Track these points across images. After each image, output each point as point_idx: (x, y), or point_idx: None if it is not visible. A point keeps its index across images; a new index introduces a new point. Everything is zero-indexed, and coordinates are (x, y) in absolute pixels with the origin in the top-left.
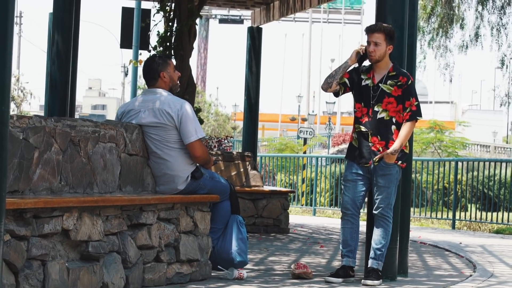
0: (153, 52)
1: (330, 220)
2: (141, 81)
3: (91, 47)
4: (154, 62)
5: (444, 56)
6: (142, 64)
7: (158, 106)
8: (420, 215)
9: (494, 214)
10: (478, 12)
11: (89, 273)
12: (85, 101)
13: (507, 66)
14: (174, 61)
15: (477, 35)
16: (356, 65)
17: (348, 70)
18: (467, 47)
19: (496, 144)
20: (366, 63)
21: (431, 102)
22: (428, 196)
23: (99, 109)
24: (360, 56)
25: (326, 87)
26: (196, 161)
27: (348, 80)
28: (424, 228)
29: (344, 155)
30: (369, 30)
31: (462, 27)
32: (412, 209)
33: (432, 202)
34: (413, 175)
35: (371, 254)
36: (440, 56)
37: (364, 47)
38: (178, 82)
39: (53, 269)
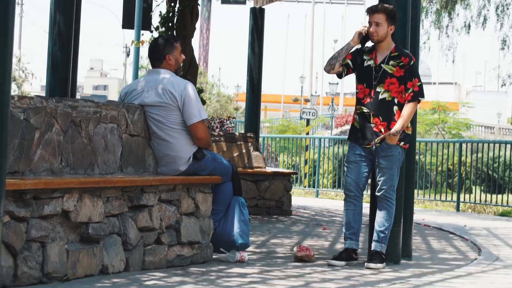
0: (155, 33)
1: (333, 202)
2: (143, 62)
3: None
4: (160, 43)
5: (448, 37)
6: (145, 44)
7: (162, 86)
8: (424, 197)
9: (499, 196)
10: None
11: (89, 255)
12: (86, 82)
13: (508, 46)
14: (179, 43)
15: (480, 15)
16: (359, 46)
17: (350, 51)
18: (469, 27)
19: (500, 126)
20: (369, 44)
21: (434, 83)
22: (432, 178)
23: (100, 89)
24: (363, 37)
25: (329, 68)
26: (198, 143)
27: (350, 61)
28: (428, 211)
29: (347, 136)
30: (370, 11)
31: (466, 6)
32: (416, 191)
33: (436, 184)
34: (416, 157)
35: (374, 236)
36: (444, 37)
37: (366, 28)
38: (181, 64)
39: (53, 251)
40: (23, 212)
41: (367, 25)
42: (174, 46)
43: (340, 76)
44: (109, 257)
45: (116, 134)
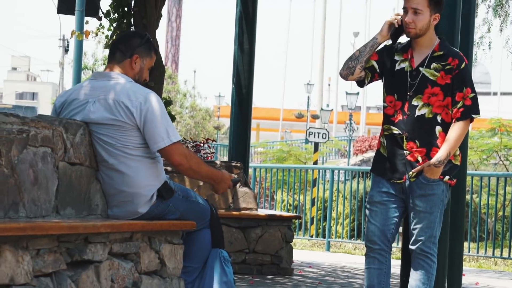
0: (104, 21)
1: (350, 258)
2: (88, 60)
3: (16, 11)
4: (138, 37)
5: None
6: (90, 36)
7: (113, 96)
8: (478, 252)
9: None
10: None
11: None
12: (7, 87)
13: None
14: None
15: None
16: (389, 41)
17: (377, 50)
18: None
19: None
20: (403, 39)
21: (495, 94)
22: (489, 226)
23: (27, 98)
24: (395, 29)
25: (346, 73)
26: (180, 171)
27: (377, 63)
28: (483, 271)
29: (370, 167)
30: None
31: None
32: (466, 244)
33: (496, 235)
34: (468, 196)
35: None
36: (509, 28)
37: (399, 17)
38: (142, 80)
39: None
40: None
41: (401, 12)
42: (150, 53)
43: (362, 83)
44: None
45: (50, 162)
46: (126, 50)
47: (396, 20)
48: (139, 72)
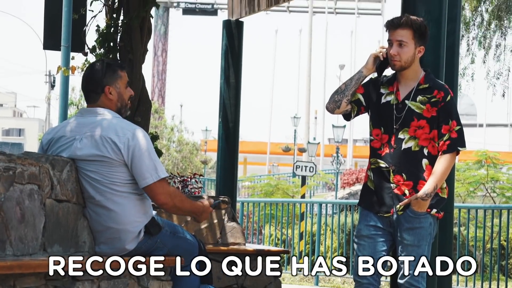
0: (90, 56)
1: None
2: (75, 95)
3: (1, 47)
4: (98, 69)
5: (498, 60)
6: (77, 71)
7: (99, 132)
8: (466, 285)
9: None
10: None
11: None
12: None
13: None
14: (125, 72)
15: None
16: (375, 75)
17: (363, 83)
18: None
19: None
20: (388, 72)
21: (481, 126)
22: (478, 259)
23: (13, 134)
24: (380, 62)
25: (333, 107)
26: (165, 210)
27: (363, 96)
28: None
29: (358, 200)
30: (391, 25)
31: None
32: (454, 278)
33: (484, 267)
34: (455, 229)
35: None
36: (493, 59)
37: (385, 50)
38: (129, 102)
39: None
40: None
41: (386, 45)
42: (117, 74)
43: (348, 117)
44: None
45: (37, 199)
46: (95, 88)
47: (381, 53)
48: (119, 99)
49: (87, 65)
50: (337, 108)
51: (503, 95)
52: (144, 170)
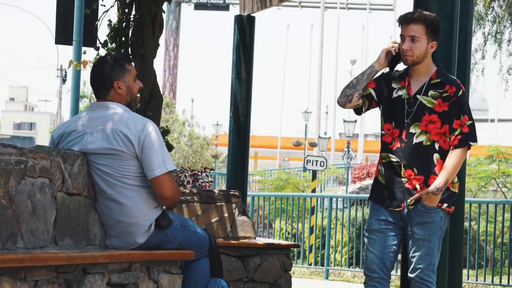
0: (102, 51)
1: (349, 286)
2: (87, 89)
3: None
4: (106, 64)
5: (510, 54)
6: (88, 66)
7: (111, 126)
8: (477, 280)
9: None
10: None
11: None
12: (5, 118)
13: None
14: (133, 65)
15: None
16: (386, 69)
17: (374, 78)
18: None
19: None
20: (400, 67)
21: (492, 121)
22: (488, 254)
23: (25, 128)
24: (392, 57)
25: (344, 101)
26: (163, 203)
27: (374, 91)
28: None
29: (368, 195)
30: (404, 21)
31: None
32: (465, 272)
33: (495, 262)
34: (466, 224)
35: None
36: (506, 54)
37: (397, 45)
38: (138, 95)
39: None
40: None
41: (398, 40)
42: (125, 68)
43: (359, 111)
44: None
45: (48, 192)
46: (104, 83)
47: (393, 48)
48: (128, 93)
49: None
50: (349, 102)
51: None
52: (152, 162)
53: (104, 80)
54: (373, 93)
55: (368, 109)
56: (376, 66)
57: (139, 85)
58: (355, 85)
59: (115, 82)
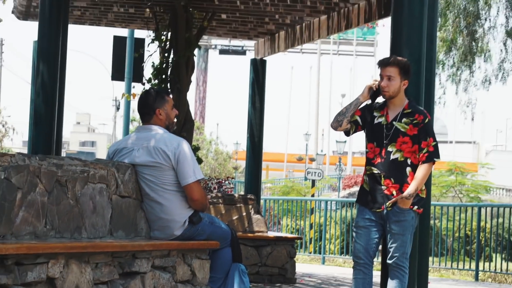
0: (147, 85)
1: (341, 270)
2: (135, 115)
3: (79, 78)
4: (150, 96)
5: (466, 92)
6: (136, 97)
7: (153, 144)
8: (440, 265)
9: None
10: (504, 44)
11: None
12: (72, 137)
13: None
14: (171, 97)
15: (500, 69)
16: (369, 101)
17: (360, 107)
18: (490, 82)
19: None
20: (380, 99)
21: (451, 142)
22: (448, 245)
23: (88, 146)
24: (373, 92)
25: (336, 125)
26: (193, 205)
27: (359, 118)
28: (444, 280)
29: (356, 199)
30: (382, 64)
31: (487, 59)
32: (431, 259)
33: (453, 251)
34: (431, 222)
35: None
36: (461, 92)
37: (377, 82)
38: (175, 120)
39: None
40: (4, 279)
41: (378, 79)
42: (165, 99)
43: (348, 133)
44: None
45: (105, 195)
46: (148, 111)
47: (374, 85)
48: (167, 118)
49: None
50: (339, 126)
51: (472, 119)
52: (185, 173)
53: (148, 108)
54: (359, 120)
55: (355, 131)
56: (361, 99)
57: (176, 112)
58: (344, 113)
59: (157, 109)
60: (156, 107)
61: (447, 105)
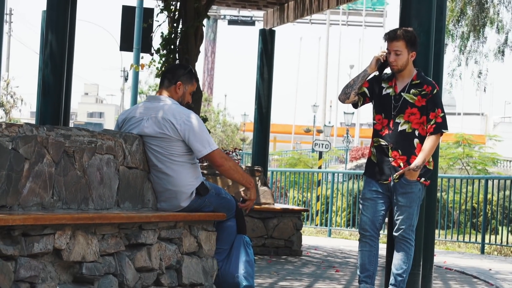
0: (155, 56)
1: (347, 242)
2: (142, 86)
3: (87, 49)
4: (182, 68)
5: (476, 63)
6: (145, 68)
7: (161, 115)
8: (446, 238)
9: None
10: None
11: None
12: (80, 108)
13: None
14: (196, 85)
15: (508, 39)
16: (377, 73)
17: (367, 79)
18: (503, 53)
19: None
20: (388, 70)
21: (459, 114)
22: (455, 217)
23: (96, 117)
24: (381, 63)
25: (343, 98)
26: (220, 170)
27: (367, 89)
28: (450, 252)
29: (363, 171)
30: (388, 38)
31: (499, 30)
32: (437, 231)
33: (460, 224)
34: (438, 194)
35: (391, 280)
36: (471, 63)
37: (385, 54)
38: (185, 102)
39: None
40: (11, 250)
41: (386, 50)
42: (191, 81)
43: (355, 105)
44: None
45: (113, 166)
46: (172, 78)
47: (382, 56)
48: (182, 96)
49: (153, 63)
50: (347, 98)
51: (484, 90)
52: (199, 145)
53: (174, 75)
54: (367, 91)
55: (363, 104)
56: (368, 70)
57: (189, 100)
58: (352, 85)
59: (179, 82)
60: (181, 80)
61: (455, 76)
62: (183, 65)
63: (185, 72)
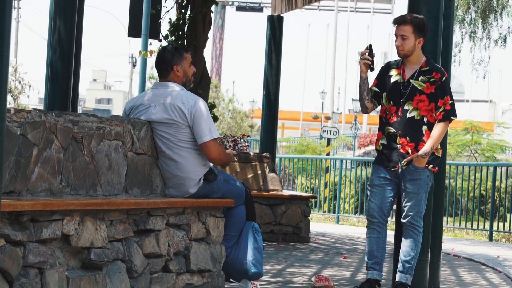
0: (164, 42)
1: (355, 229)
2: (151, 72)
3: (96, 35)
4: (168, 52)
5: (485, 49)
6: (153, 54)
7: (169, 101)
8: (454, 225)
9: None
10: None
11: (91, 282)
12: (88, 94)
13: None
14: (189, 54)
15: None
16: (379, 64)
17: (376, 76)
18: (505, 39)
19: None
20: (395, 58)
21: (467, 101)
22: (463, 204)
23: (104, 103)
24: (369, 65)
25: (364, 110)
26: (213, 163)
27: (377, 86)
28: (458, 240)
29: (371, 157)
30: (396, 22)
31: (510, 15)
32: (445, 218)
33: (468, 211)
34: (446, 181)
35: (399, 267)
36: (477, 50)
37: (364, 51)
38: (192, 77)
39: (52, 278)
40: (19, 236)
41: (365, 50)
42: (183, 56)
43: (377, 106)
44: (112, 285)
45: (121, 152)
46: (165, 67)
47: (362, 52)
48: (184, 75)
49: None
50: (367, 108)
51: (484, 77)
52: (201, 131)
53: (166, 64)
54: (377, 89)
55: (379, 103)
56: (363, 76)
57: (193, 70)
58: (361, 95)
59: (174, 66)
60: (173, 63)
61: (461, 64)
62: (166, 48)
63: (173, 53)
